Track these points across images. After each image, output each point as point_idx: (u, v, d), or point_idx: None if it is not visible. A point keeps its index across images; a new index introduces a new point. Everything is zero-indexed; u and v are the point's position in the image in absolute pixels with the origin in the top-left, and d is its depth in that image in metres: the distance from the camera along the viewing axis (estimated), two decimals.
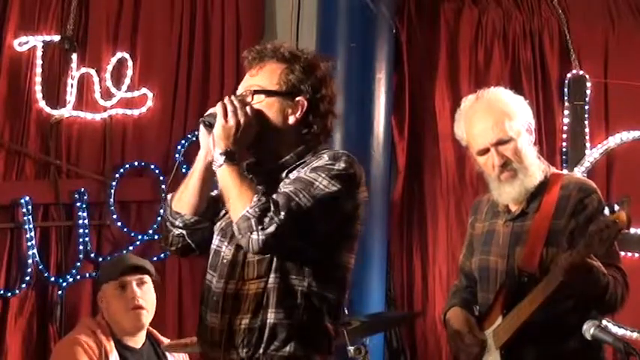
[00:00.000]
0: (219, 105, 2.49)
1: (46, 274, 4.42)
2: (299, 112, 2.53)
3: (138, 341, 3.64)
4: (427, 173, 4.86)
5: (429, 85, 4.90)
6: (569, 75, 4.93)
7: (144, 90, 4.63)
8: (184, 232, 2.59)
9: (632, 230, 4.63)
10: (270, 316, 2.45)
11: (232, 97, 2.51)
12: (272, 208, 2.34)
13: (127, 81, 4.61)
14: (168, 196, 2.65)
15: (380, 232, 4.63)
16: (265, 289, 2.45)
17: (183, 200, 2.57)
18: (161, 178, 4.57)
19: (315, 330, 2.49)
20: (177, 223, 2.59)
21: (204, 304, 2.58)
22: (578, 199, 2.91)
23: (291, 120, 2.53)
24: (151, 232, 4.58)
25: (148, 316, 3.63)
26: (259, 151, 2.55)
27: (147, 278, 3.65)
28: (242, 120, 2.45)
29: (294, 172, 2.50)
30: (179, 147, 4.59)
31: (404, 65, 4.88)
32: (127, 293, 3.59)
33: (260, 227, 2.34)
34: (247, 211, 2.35)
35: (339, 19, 4.63)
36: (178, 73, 4.70)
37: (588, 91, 4.92)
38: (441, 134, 4.81)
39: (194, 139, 4.57)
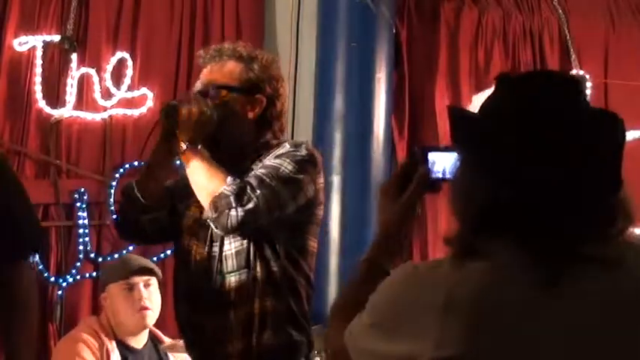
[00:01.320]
0: (183, 95, 2.55)
1: (45, 274, 4.41)
2: (258, 109, 2.61)
3: (140, 341, 3.65)
4: None
5: (429, 85, 4.90)
6: None
7: (144, 90, 4.62)
8: (142, 217, 2.64)
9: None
10: (258, 306, 2.51)
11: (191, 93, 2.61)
12: (248, 187, 2.40)
13: (127, 81, 4.60)
14: (126, 183, 2.70)
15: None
16: (248, 279, 2.50)
17: (142, 186, 2.62)
18: None
19: (300, 314, 2.57)
20: (135, 208, 2.63)
21: (184, 304, 2.62)
22: None
23: (251, 116, 2.61)
24: None
25: (153, 317, 3.64)
26: (218, 144, 2.60)
27: (153, 280, 3.67)
28: (205, 110, 2.51)
29: (257, 162, 2.56)
30: None
31: (404, 65, 4.88)
32: (133, 294, 3.60)
33: (239, 204, 2.38)
34: (225, 189, 2.40)
35: (339, 19, 4.63)
36: (178, 73, 4.70)
37: (588, 91, 4.93)
38: (441, 134, 4.81)
39: None
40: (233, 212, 2.38)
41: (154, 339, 3.72)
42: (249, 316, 2.50)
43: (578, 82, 1.52)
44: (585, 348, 1.39)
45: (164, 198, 2.66)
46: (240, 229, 2.43)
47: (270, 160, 2.53)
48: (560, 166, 1.41)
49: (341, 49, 4.59)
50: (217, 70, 2.63)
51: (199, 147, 2.52)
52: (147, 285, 3.64)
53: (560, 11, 4.99)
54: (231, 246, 2.53)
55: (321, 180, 2.62)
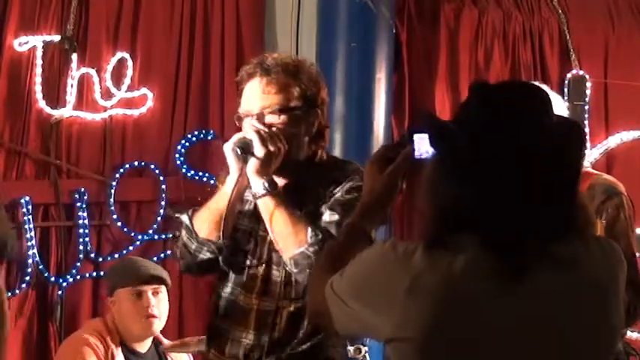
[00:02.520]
0: (252, 132, 2.45)
1: (46, 274, 4.41)
2: (317, 123, 2.55)
3: (144, 346, 3.66)
4: None
5: (429, 85, 4.89)
6: (569, 75, 4.93)
7: (144, 90, 4.62)
8: (218, 256, 2.56)
9: None
10: (305, 333, 2.48)
11: (256, 123, 2.47)
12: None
13: (127, 81, 4.60)
14: (185, 220, 2.58)
15: (380, 231, 4.63)
16: (302, 308, 2.46)
17: (212, 227, 2.52)
18: (161, 178, 4.58)
19: (337, 340, 2.55)
20: (206, 249, 2.55)
21: (230, 320, 2.56)
22: (600, 201, 2.87)
23: (313, 132, 2.54)
24: (150, 232, 4.58)
25: (159, 324, 3.65)
26: (284, 168, 2.52)
27: (162, 288, 3.66)
28: (281, 147, 2.45)
29: (328, 188, 2.50)
30: (179, 147, 4.59)
31: (404, 65, 4.88)
32: (142, 301, 3.59)
33: None
34: (308, 250, 2.38)
35: (339, 19, 4.63)
36: (178, 73, 4.69)
37: (588, 91, 4.92)
38: None
39: (194, 139, 4.58)
40: None
41: (156, 342, 3.72)
42: (296, 342, 2.49)
43: (545, 93, 1.64)
44: (537, 340, 1.53)
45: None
46: None
47: (342, 196, 2.47)
48: (524, 171, 1.54)
49: (341, 49, 4.59)
50: (273, 90, 2.50)
51: (277, 187, 2.45)
52: (155, 293, 3.64)
53: (560, 11, 4.99)
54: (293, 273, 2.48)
55: None
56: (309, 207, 2.49)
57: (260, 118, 2.49)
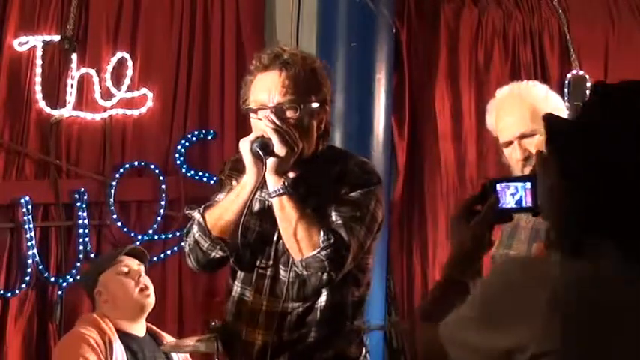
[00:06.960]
0: (270, 131, 2.41)
1: (46, 274, 4.42)
2: (328, 117, 2.55)
3: (140, 330, 3.61)
4: (427, 174, 4.86)
5: (429, 85, 4.90)
6: (569, 75, 4.93)
7: (144, 90, 4.63)
8: (230, 254, 2.55)
9: None
10: (316, 332, 2.49)
11: (274, 119, 2.42)
12: (343, 250, 2.38)
13: (127, 81, 4.60)
14: (197, 216, 2.55)
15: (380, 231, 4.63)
16: (313, 307, 2.48)
17: (227, 226, 2.50)
18: (161, 178, 4.58)
19: (354, 336, 2.59)
20: (219, 247, 2.53)
21: (240, 320, 2.56)
22: None
23: (324, 126, 2.54)
24: (150, 232, 4.58)
25: (152, 298, 3.60)
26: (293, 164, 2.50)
27: (143, 268, 3.66)
28: (299, 145, 2.43)
29: (331, 183, 2.50)
30: (179, 147, 4.59)
31: (404, 65, 4.88)
32: (131, 274, 3.58)
33: (332, 268, 2.38)
34: (320, 254, 2.37)
35: (339, 19, 4.63)
36: (178, 73, 4.70)
37: (588, 91, 4.92)
38: (441, 134, 4.81)
39: (194, 139, 4.58)
40: (326, 276, 2.39)
41: (152, 334, 3.69)
42: (306, 340, 2.49)
43: None
44: None
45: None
46: (326, 287, 2.46)
47: (348, 195, 2.46)
48: None
49: (341, 49, 4.59)
50: (287, 85, 2.46)
51: (293, 186, 2.43)
52: (139, 266, 3.63)
53: (560, 11, 4.99)
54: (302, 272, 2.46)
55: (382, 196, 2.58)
56: (311, 201, 2.47)
57: (278, 112, 2.44)
